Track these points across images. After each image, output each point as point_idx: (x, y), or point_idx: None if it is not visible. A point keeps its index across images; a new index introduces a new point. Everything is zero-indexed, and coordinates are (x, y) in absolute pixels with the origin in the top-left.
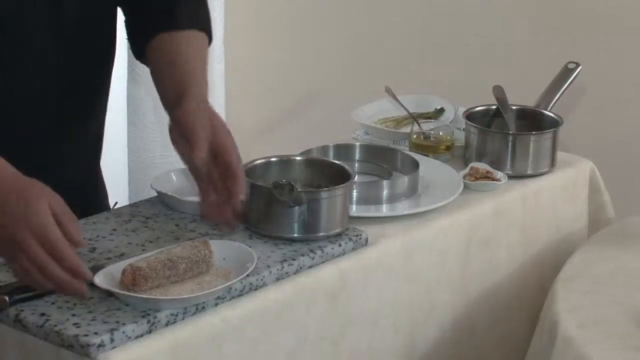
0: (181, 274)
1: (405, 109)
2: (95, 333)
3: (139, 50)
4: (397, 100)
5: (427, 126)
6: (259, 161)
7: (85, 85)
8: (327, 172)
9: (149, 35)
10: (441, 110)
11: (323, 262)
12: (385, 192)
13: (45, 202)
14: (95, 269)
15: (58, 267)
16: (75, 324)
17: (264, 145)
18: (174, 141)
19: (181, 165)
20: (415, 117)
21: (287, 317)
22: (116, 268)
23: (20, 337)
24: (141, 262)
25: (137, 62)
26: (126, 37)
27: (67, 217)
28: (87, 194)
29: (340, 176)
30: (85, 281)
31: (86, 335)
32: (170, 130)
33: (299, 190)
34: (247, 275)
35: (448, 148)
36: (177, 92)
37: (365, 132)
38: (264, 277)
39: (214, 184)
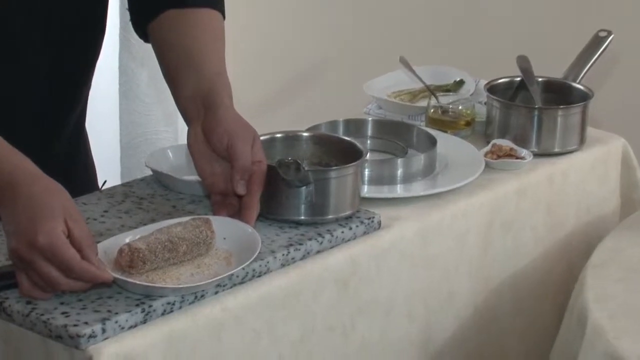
0: (180, 256)
1: (422, 81)
2: (86, 323)
3: (140, 26)
4: (412, 71)
5: (445, 100)
6: (263, 137)
7: (72, 56)
8: (337, 150)
9: (153, 11)
10: (461, 83)
11: (332, 247)
12: (399, 171)
13: (59, 221)
14: None
15: (72, 281)
16: (63, 313)
17: (268, 121)
18: (198, 153)
19: (178, 141)
20: (432, 90)
21: (293, 306)
22: (111, 243)
23: (4, 327)
24: (140, 243)
25: (130, 30)
26: (127, 7)
27: (85, 241)
28: (72, 171)
29: (351, 154)
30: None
31: (75, 325)
32: (193, 141)
33: (305, 169)
34: (252, 261)
35: (468, 123)
36: (201, 99)
37: (378, 106)
38: (268, 263)
39: (229, 205)
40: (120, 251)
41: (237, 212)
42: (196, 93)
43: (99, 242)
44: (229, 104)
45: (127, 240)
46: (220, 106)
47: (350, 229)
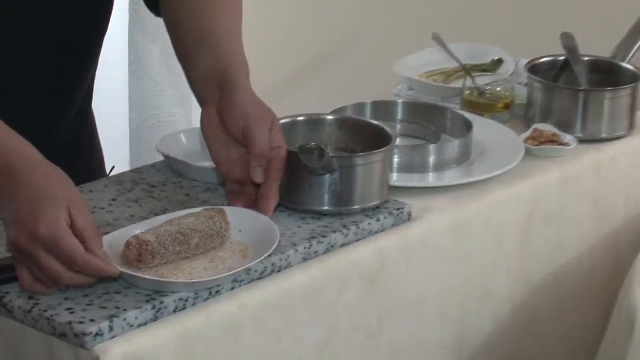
0: (193, 249)
1: (457, 59)
2: (92, 320)
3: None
4: (446, 49)
5: (482, 80)
6: (283, 121)
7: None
8: (364, 134)
9: None
10: (499, 62)
11: (358, 240)
12: (432, 158)
13: (62, 209)
14: None
15: (75, 275)
16: (68, 309)
17: (289, 103)
18: (212, 138)
19: (192, 124)
20: (468, 70)
21: (315, 304)
22: (117, 237)
23: (4, 323)
24: (149, 235)
25: (141, 2)
26: None
27: (89, 232)
28: (77, 156)
29: (379, 139)
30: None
31: (81, 322)
32: (207, 125)
33: (329, 155)
34: (269, 255)
35: (507, 106)
36: (216, 79)
37: (409, 87)
38: (288, 256)
39: (245, 194)
40: (127, 244)
41: (254, 202)
42: (210, 72)
43: (106, 233)
44: (245, 84)
45: (135, 233)
46: (236, 86)
47: (378, 220)
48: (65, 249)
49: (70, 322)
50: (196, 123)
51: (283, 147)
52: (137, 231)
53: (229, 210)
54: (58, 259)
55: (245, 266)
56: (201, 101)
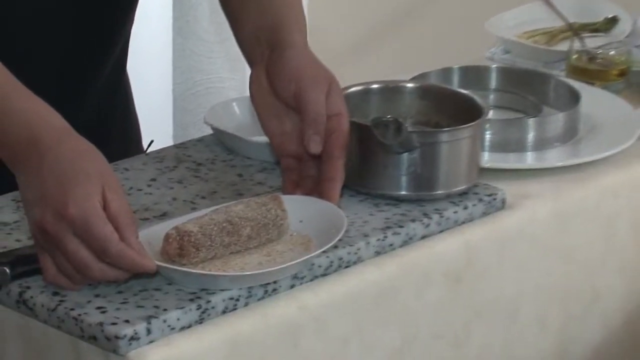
0: (244, 242)
1: (563, 17)
2: (127, 321)
3: None
4: (551, 4)
5: (593, 42)
6: (353, 89)
7: None
8: (450, 106)
9: None
10: (613, 20)
11: (442, 232)
12: (531, 135)
13: (96, 189)
14: None
15: (107, 267)
16: (99, 307)
17: (361, 68)
18: (262, 105)
19: (247, 91)
20: (576, 30)
21: (389, 306)
22: (156, 232)
23: (24, 323)
24: (191, 225)
25: None
26: None
27: (124, 218)
28: (109, 129)
29: (468, 111)
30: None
31: (114, 323)
32: (256, 90)
33: (409, 130)
34: (335, 247)
35: (622, 74)
36: (266, 36)
37: (505, 49)
38: (358, 250)
39: (305, 176)
40: (167, 237)
41: (315, 186)
42: (260, 28)
43: (144, 219)
44: (300, 41)
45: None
46: (289, 44)
47: (466, 208)
48: (97, 234)
49: (101, 324)
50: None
51: (344, 115)
52: (178, 223)
53: (287, 197)
54: (88, 246)
55: (308, 256)
56: (250, 63)
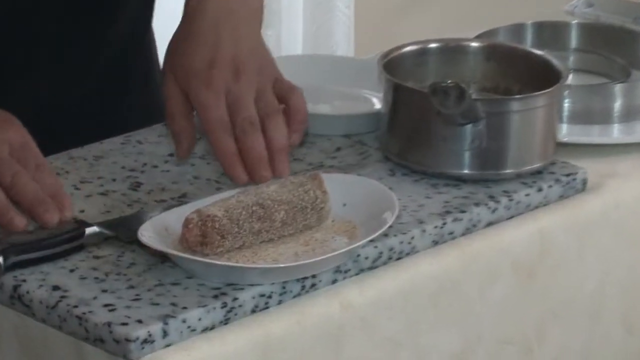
0: (278, 229)
1: None
2: (139, 321)
3: None
4: None
5: None
6: (407, 48)
7: None
8: (521, 69)
9: None
10: None
11: (511, 217)
12: (618, 104)
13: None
14: (138, 218)
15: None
16: (107, 305)
17: (415, 24)
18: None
19: (282, 50)
20: None
21: (448, 304)
22: (174, 216)
23: (20, 321)
24: (215, 209)
25: None
26: None
27: (33, 158)
28: (123, 92)
29: (544, 75)
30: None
31: (125, 323)
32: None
33: (473, 97)
34: (385, 235)
35: None
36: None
37: (588, 2)
38: (412, 239)
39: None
40: (187, 222)
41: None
42: None
43: (160, 201)
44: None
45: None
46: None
47: (540, 190)
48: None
49: (109, 324)
50: (287, 48)
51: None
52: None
53: (329, 176)
54: None
55: (352, 246)
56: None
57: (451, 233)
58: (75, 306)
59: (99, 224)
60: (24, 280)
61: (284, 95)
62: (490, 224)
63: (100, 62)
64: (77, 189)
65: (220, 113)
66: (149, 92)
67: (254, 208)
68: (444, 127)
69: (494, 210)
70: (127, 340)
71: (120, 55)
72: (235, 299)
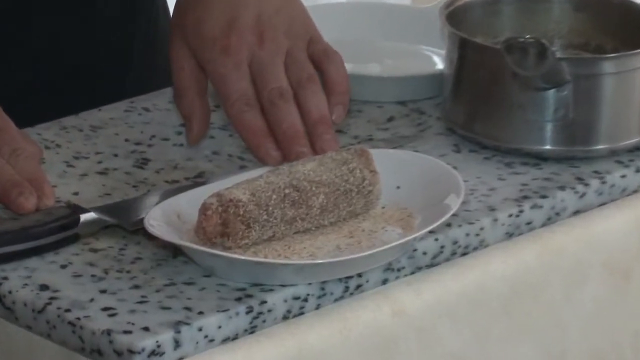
0: (316, 217)
1: None
2: (146, 329)
3: None
4: None
5: None
6: None
7: None
8: (617, 22)
9: None
10: None
11: (604, 204)
12: None
13: None
14: (145, 203)
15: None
16: (107, 309)
17: None
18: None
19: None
20: None
21: (526, 310)
22: (188, 201)
23: (1, 327)
24: (239, 192)
25: None
26: None
27: (8, 144)
28: (129, 60)
29: None
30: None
31: (128, 332)
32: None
33: (557, 55)
34: (448, 225)
35: None
36: None
37: None
38: (481, 230)
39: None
40: (205, 208)
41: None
42: None
43: (173, 181)
44: None
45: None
46: None
47: (638, 171)
48: None
49: (109, 332)
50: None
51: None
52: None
53: (379, 152)
54: None
55: (407, 238)
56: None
57: (529, 223)
58: (68, 310)
59: (96, 210)
60: (6, 278)
61: (320, 60)
62: (577, 212)
63: (108, 21)
64: (70, 166)
65: (243, 85)
66: (155, 53)
67: (286, 191)
68: (521, 93)
69: (582, 195)
70: (131, 352)
71: (131, 14)
72: (264, 302)
